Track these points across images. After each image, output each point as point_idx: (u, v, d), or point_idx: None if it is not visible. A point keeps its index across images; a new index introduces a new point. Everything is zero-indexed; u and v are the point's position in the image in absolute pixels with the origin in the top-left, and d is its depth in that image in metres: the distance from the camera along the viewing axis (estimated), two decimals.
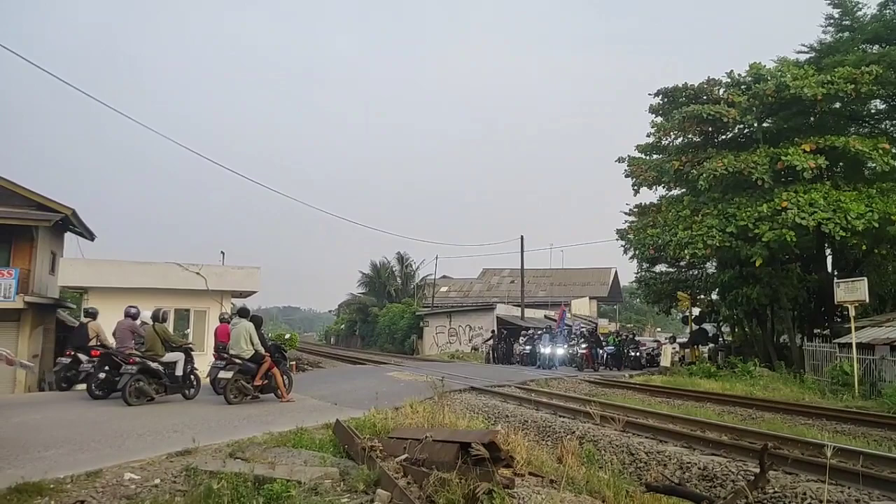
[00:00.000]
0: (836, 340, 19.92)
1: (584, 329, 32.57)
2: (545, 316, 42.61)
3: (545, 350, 26.77)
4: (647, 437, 10.05)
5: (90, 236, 25.85)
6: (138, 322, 13.00)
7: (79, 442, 7.81)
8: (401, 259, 59.57)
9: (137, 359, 11.58)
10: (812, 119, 23.42)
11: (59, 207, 21.11)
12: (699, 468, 8.23)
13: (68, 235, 25.17)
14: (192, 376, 12.83)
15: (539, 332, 29.04)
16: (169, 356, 12.09)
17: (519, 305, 41.66)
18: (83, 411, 10.81)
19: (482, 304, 46.22)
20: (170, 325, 15.35)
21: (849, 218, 19.20)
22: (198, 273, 19.69)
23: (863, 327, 19.48)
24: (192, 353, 13.19)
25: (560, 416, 12.26)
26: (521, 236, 41.43)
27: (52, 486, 5.67)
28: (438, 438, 6.20)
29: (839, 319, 23.91)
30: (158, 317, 12.49)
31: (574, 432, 10.55)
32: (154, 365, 11.73)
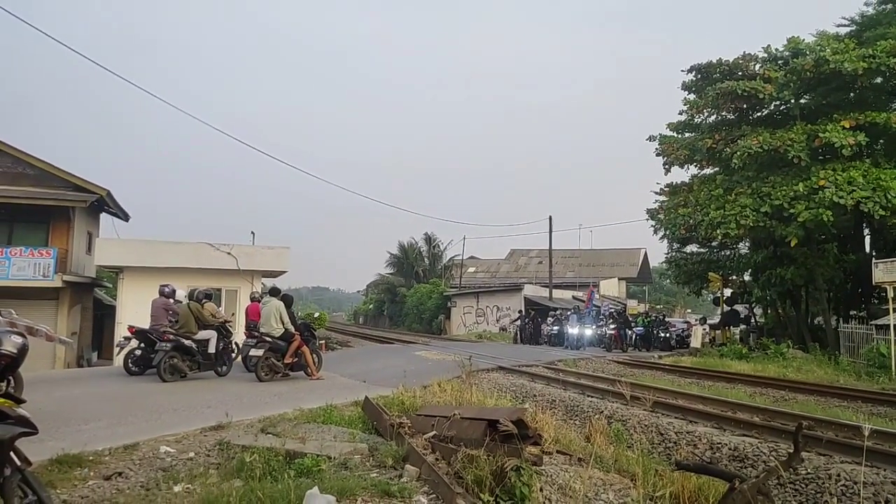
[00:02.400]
0: (874, 322, 19.48)
1: (612, 310, 32.30)
2: (573, 297, 42.38)
3: (573, 330, 26.65)
4: (676, 418, 9.98)
5: (125, 217, 26.39)
6: (172, 301, 13.25)
7: (116, 416, 8.04)
8: (428, 240, 59.53)
9: (171, 336, 11.85)
10: (852, 94, 22.62)
11: (94, 188, 21.57)
12: (730, 448, 8.15)
13: (104, 216, 25.73)
14: (224, 355, 13.06)
15: (567, 313, 28.90)
16: (202, 334, 12.34)
17: (547, 286, 41.45)
18: (120, 387, 11.12)
19: (510, 285, 46.12)
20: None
21: (889, 196, 18.60)
22: (229, 253, 19.94)
23: None
24: (230, 326, 13.47)
25: (588, 396, 12.24)
26: (550, 216, 41.05)
27: (91, 458, 5.85)
28: (466, 416, 6.22)
29: (876, 301, 23.30)
30: (199, 296, 12.79)
31: (602, 412, 10.52)
32: (188, 342, 11.98)
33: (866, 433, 5.11)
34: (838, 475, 6.69)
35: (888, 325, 17.56)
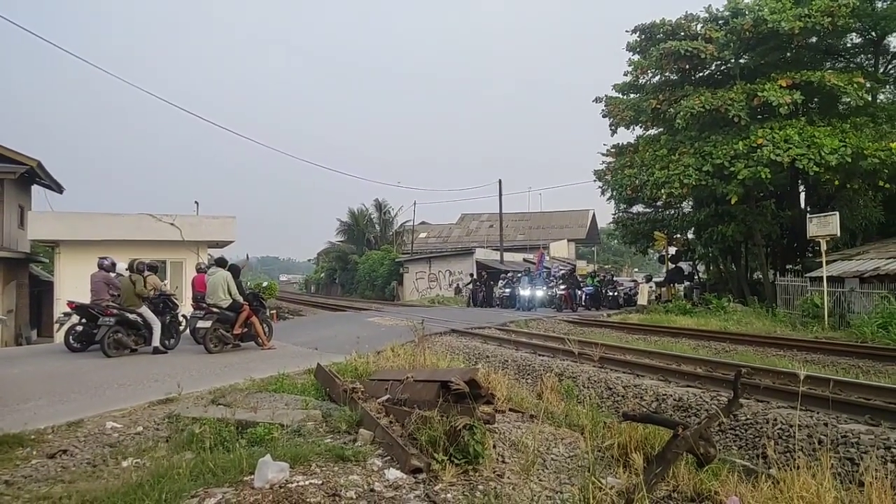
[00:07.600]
0: (808, 275, 20.32)
1: (562, 271, 32.88)
2: (524, 259, 42.91)
3: (524, 292, 27.06)
4: (624, 372, 10.28)
5: (58, 189, 25.26)
6: (112, 275, 12.77)
7: (58, 394, 7.77)
8: (379, 206, 58.99)
9: (115, 310, 11.46)
10: (789, 54, 23.24)
11: (23, 159, 20.51)
12: (675, 399, 8.46)
13: (36, 188, 24.55)
14: (172, 328, 12.76)
15: (518, 275, 29.26)
16: (145, 308, 11.97)
17: (498, 249, 41.84)
18: (61, 364, 10.73)
19: (461, 249, 46.33)
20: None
21: (822, 153, 19.28)
22: (172, 224, 19.38)
23: (833, 261, 19.87)
24: (175, 299, 13.15)
25: (539, 355, 12.47)
26: (500, 180, 41.27)
27: (32, 437, 5.66)
28: (420, 378, 6.25)
29: (811, 254, 24.33)
30: (140, 268, 12.31)
31: (553, 369, 10.74)
32: (132, 316, 11.62)
33: (802, 377, 5.36)
34: (775, 419, 7.02)
35: (821, 277, 18.38)
